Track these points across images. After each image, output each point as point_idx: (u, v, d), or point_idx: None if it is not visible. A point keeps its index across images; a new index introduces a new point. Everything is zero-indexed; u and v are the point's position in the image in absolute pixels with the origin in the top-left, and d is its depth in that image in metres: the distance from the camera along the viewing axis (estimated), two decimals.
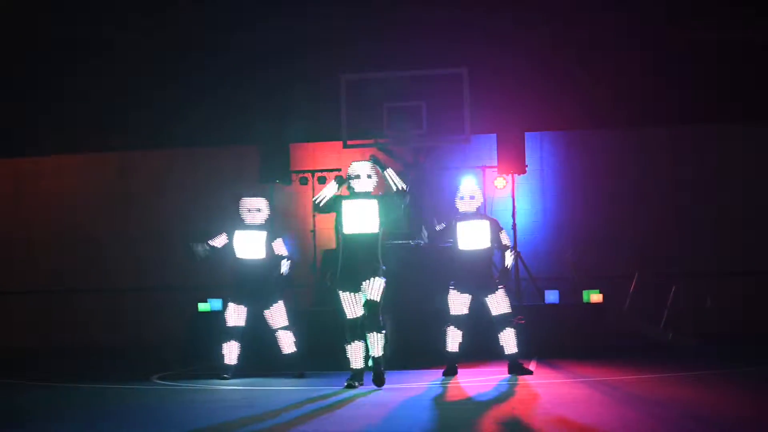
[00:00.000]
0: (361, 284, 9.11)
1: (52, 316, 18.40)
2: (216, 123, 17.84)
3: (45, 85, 18.83)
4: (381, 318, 9.16)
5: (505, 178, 15.43)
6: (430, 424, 6.77)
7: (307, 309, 14.26)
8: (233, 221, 10.56)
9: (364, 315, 9.14)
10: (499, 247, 10.20)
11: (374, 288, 9.10)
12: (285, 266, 10.50)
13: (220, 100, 17.86)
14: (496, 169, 15.42)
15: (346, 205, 9.23)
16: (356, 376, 9.23)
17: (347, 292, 9.22)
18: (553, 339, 12.63)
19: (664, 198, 16.80)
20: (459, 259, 10.21)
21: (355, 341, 9.25)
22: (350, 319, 9.25)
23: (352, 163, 9.42)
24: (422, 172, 15.27)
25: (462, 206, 10.25)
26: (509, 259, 10.17)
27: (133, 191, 18.52)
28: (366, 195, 9.26)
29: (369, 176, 9.29)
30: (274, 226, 10.91)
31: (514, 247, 14.58)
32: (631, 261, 15.99)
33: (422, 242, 13.34)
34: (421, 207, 14.39)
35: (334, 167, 16.53)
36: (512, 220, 15.02)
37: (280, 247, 10.51)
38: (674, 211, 16.74)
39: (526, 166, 15.18)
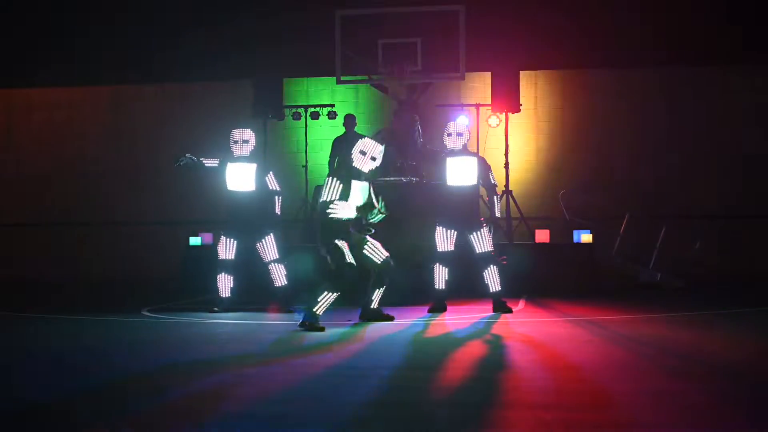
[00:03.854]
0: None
1: (44, 249, 18.41)
2: (210, 57, 17.68)
3: (38, 17, 18.64)
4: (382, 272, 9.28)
5: (498, 117, 15.39)
6: (406, 360, 6.83)
7: (297, 245, 14.24)
8: (225, 154, 10.56)
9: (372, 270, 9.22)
10: (486, 186, 10.23)
11: (375, 250, 9.20)
12: (278, 205, 10.60)
13: (215, 34, 17.70)
14: (490, 107, 15.37)
15: (355, 187, 9.14)
16: (314, 319, 8.80)
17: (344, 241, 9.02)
18: (542, 278, 12.64)
19: (658, 139, 16.78)
20: (446, 195, 10.24)
21: (335, 293, 8.86)
22: (348, 263, 8.90)
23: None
24: (416, 109, 15.17)
25: (449, 143, 10.24)
26: (496, 205, 10.23)
27: (127, 125, 18.44)
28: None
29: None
30: (264, 160, 10.89)
31: (506, 186, 14.67)
32: (623, 202, 16.01)
33: (414, 179, 13.40)
34: (414, 145, 14.35)
35: (327, 103, 16.49)
36: (505, 159, 14.99)
37: (272, 182, 10.56)
38: (668, 152, 16.73)
39: (521, 104, 15.13)
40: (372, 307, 9.43)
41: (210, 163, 10.54)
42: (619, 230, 15.03)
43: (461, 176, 10.17)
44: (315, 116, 16.26)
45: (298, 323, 8.76)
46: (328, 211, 8.84)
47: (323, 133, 16.10)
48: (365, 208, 9.08)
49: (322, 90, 17.26)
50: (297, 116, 16.30)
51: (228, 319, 9.91)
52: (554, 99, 17.17)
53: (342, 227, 8.93)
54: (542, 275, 12.72)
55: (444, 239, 10.27)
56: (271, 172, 10.59)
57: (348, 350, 7.49)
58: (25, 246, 18.57)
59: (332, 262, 8.91)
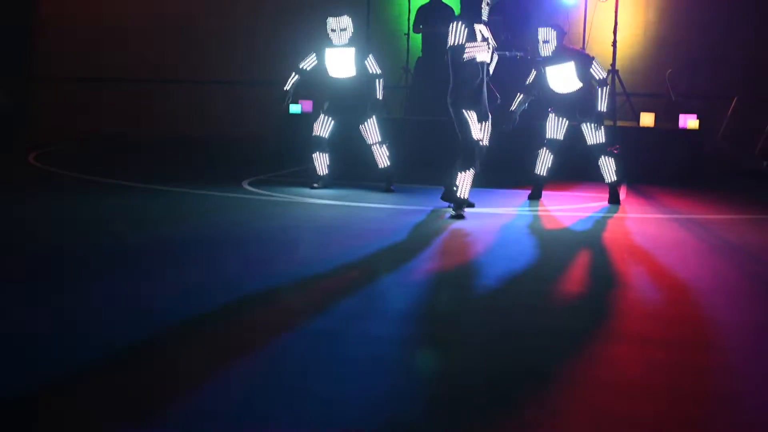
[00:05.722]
0: (482, 119, 8.83)
1: (143, 106, 18.66)
2: None
3: None
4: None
5: None
6: (504, 269, 6.76)
7: (399, 117, 14.13)
8: (321, 41, 10.43)
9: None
10: (594, 83, 9.89)
11: (488, 131, 8.94)
12: (380, 89, 10.38)
13: None
14: None
15: (478, 29, 8.69)
16: (462, 205, 8.84)
17: (474, 113, 8.73)
18: (645, 163, 12.38)
19: None
20: (555, 97, 10.00)
21: (471, 169, 8.77)
22: (477, 141, 8.76)
23: None
24: None
25: (541, 51, 9.88)
26: (603, 101, 9.82)
27: None
28: (485, 22, 8.79)
29: (490, 3, 8.80)
30: (363, 43, 10.74)
31: (612, 66, 14.21)
32: (732, 82, 15.49)
33: (519, 54, 13.10)
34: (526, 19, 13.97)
35: None
36: (613, 37, 14.46)
37: (372, 66, 10.36)
38: None
39: None
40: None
41: (309, 63, 10.47)
42: (726, 113, 14.62)
43: (564, 83, 9.88)
44: None
45: (450, 213, 8.78)
46: (465, 54, 8.53)
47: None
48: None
49: None
50: None
51: (329, 198, 9.95)
52: None
53: (474, 93, 8.68)
54: (645, 160, 12.46)
55: (555, 127, 10.09)
56: (370, 55, 10.38)
57: (447, 253, 7.48)
58: (120, 102, 18.83)
59: (459, 133, 8.77)
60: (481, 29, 8.69)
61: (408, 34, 15.49)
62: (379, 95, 10.38)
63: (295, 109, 13.46)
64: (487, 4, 8.75)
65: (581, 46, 14.41)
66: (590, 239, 8.04)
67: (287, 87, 10.56)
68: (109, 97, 19.01)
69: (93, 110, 18.96)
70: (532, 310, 5.44)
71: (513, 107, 9.97)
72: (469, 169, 8.74)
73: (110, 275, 6.04)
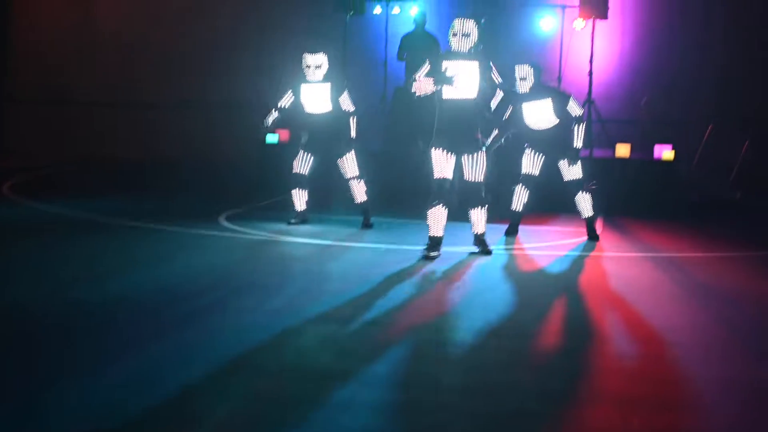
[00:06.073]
0: (460, 153, 8.69)
1: (118, 129, 18.60)
2: None
3: None
4: (483, 193, 8.85)
5: (584, 20, 14.82)
6: (479, 322, 6.73)
7: (376, 149, 14.06)
8: (297, 77, 10.45)
9: (462, 188, 8.84)
10: (565, 119, 9.88)
11: (477, 166, 8.74)
12: (353, 127, 10.36)
13: None
14: (577, 9, 14.80)
15: (446, 66, 8.52)
16: (435, 245, 8.73)
17: (440, 150, 8.63)
18: (620, 195, 12.43)
19: (748, 47, 16.13)
20: (532, 133, 10.03)
21: (439, 206, 8.66)
22: (438, 180, 8.69)
23: (456, 19, 8.71)
24: (500, 9, 14.76)
25: (519, 87, 9.87)
26: (579, 137, 9.82)
27: (206, 8, 18.29)
28: (464, 55, 8.63)
29: (467, 35, 8.61)
30: (338, 77, 10.75)
31: (589, 95, 14.24)
32: (707, 109, 15.55)
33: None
34: (496, 48, 13.99)
35: None
36: (589, 66, 14.50)
37: (345, 103, 10.34)
38: (759, 61, 16.08)
39: (608, 9, 14.56)
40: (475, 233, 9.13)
41: (287, 101, 10.51)
42: (700, 139, 14.69)
43: (541, 120, 9.90)
44: (396, 10, 15.83)
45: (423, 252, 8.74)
46: (413, 88, 8.54)
47: (405, 28, 15.58)
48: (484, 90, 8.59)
49: None
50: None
51: (306, 236, 9.94)
52: (642, 4, 16.53)
53: (440, 130, 8.63)
54: (621, 191, 12.52)
55: (531, 163, 10.12)
56: (345, 92, 10.37)
57: (422, 303, 7.47)
58: (94, 124, 18.77)
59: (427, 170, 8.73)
60: (448, 65, 8.53)
61: (386, 62, 15.49)
62: (353, 133, 10.38)
63: (271, 139, 13.43)
64: (454, 34, 8.62)
65: (558, 73, 14.50)
66: (567, 283, 8.05)
67: (267, 124, 10.62)
68: (82, 120, 18.89)
69: (66, 133, 18.85)
70: (509, 368, 5.44)
71: (488, 142, 9.92)
72: (432, 207, 8.69)
73: (61, 349, 5.60)
